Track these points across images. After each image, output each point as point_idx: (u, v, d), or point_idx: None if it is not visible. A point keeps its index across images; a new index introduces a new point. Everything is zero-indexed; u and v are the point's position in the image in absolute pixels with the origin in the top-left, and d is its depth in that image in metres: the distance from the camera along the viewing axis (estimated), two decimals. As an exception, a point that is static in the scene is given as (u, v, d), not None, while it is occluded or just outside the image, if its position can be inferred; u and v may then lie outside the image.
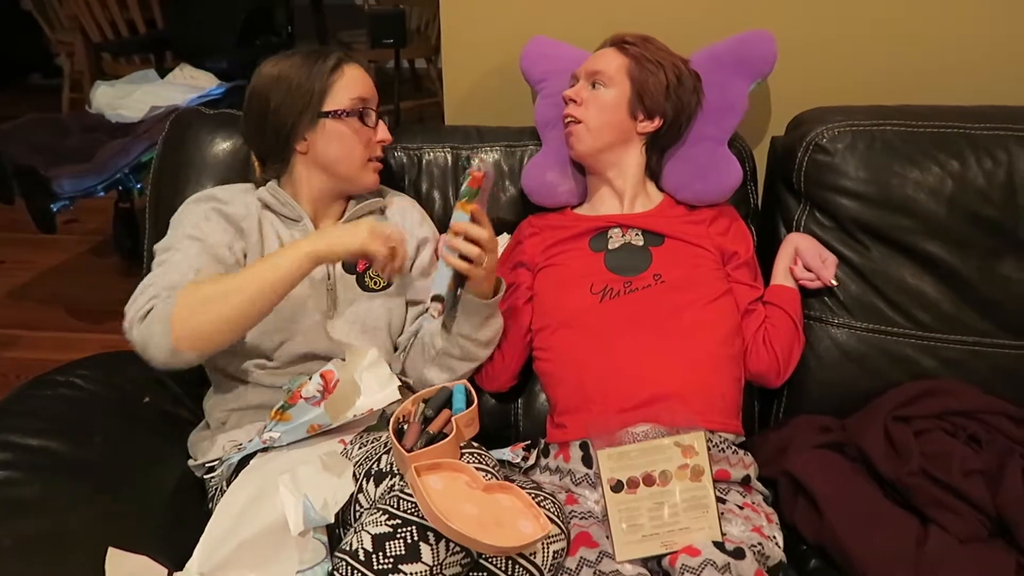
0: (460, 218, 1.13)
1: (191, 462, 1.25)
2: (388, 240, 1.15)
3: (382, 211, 1.38)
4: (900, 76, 1.58)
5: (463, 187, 1.15)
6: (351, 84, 1.27)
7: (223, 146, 1.45)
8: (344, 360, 1.23)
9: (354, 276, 1.31)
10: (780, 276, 1.39)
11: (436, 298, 1.12)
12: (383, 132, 1.31)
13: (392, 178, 1.51)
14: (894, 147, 1.37)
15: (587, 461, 1.20)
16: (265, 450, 1.17)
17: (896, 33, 1.56)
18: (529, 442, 1.33)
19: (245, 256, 1.25)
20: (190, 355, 1.09)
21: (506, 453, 1.28)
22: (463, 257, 1.12)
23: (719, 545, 1.02)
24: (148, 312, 1.09)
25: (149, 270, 1.24)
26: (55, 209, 2.34)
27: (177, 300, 1.08)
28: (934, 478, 1.16)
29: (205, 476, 1.25)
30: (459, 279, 1.16)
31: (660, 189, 1.43)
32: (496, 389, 1.38)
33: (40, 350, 2.50)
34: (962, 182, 1.34)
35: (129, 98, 2.71)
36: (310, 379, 1.18)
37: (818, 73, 1.59)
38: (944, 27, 1.54)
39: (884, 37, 1.56)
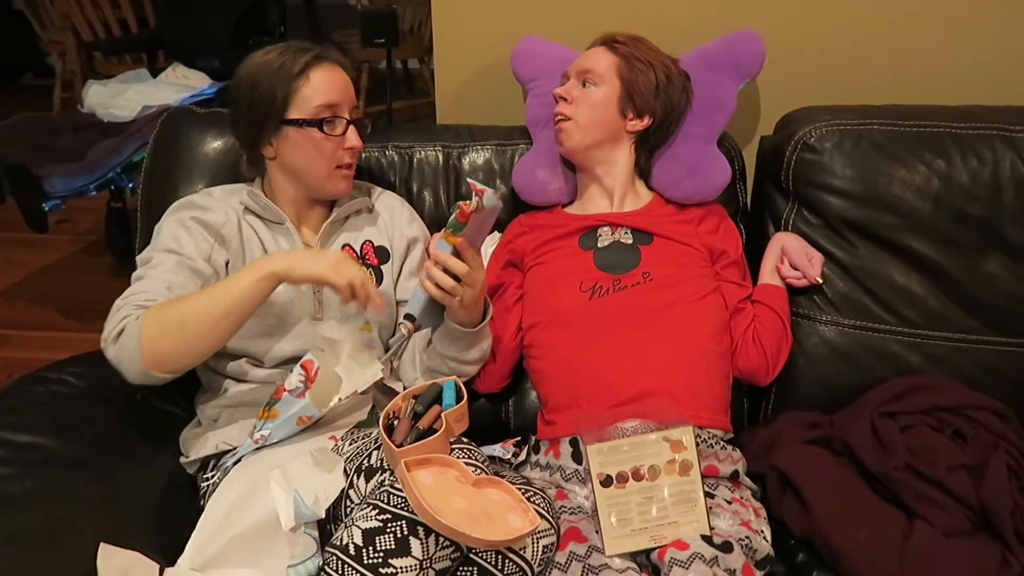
0: (442, 247, 1.12)
1: (183, 459, 1.26)
2: (350, 278, 1.11)
3: (369, 210, 1.38)
4: (887, 76, 1.59)
5: (451, 218, 1.11)
6: (317, 90, 1.21)
7: (214, 145, 1.45)
8: (323, 351, 1.22)
9: None
10: (767, 275, 1.41)
11: (408, 317, 1.16)
12: (352, 139, 1.25)
13: (383, 176, 1.51)
14: (881, 146, 1.38)
15: (577, 457, 1.21)
16: (257, 448, 1.17)
17: (883, 34, 1.57)
18: (519, 438, 1.34)
19: (228, 264, 1.24)
20: (161, 375, 1.10)
21: (496, 449, 1.29)
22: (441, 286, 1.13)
23: (707, 539, 1.03)
24: (120, 332, 1.10)
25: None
26: (47, 208, 2.34)
27: (143, 323, 1.08)
28: (919, 473, 1.17)
29: (196, 473, 1.25)
30: (438, 304, 1.17)
31: (650, 188, 1.44)
32: (488, 390, 1.39)
33: (31, 349, 2.50)
34: (948, 180, 1.36)
35: (121, 97, 2.70)
36: (292, 371, 1.19)
37: (806, 73, 1.60)
38: (931, 28, 1.56)
39: (871, 38, 1.58)
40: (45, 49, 4.30)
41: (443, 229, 1.13)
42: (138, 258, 1.23)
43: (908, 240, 1.37)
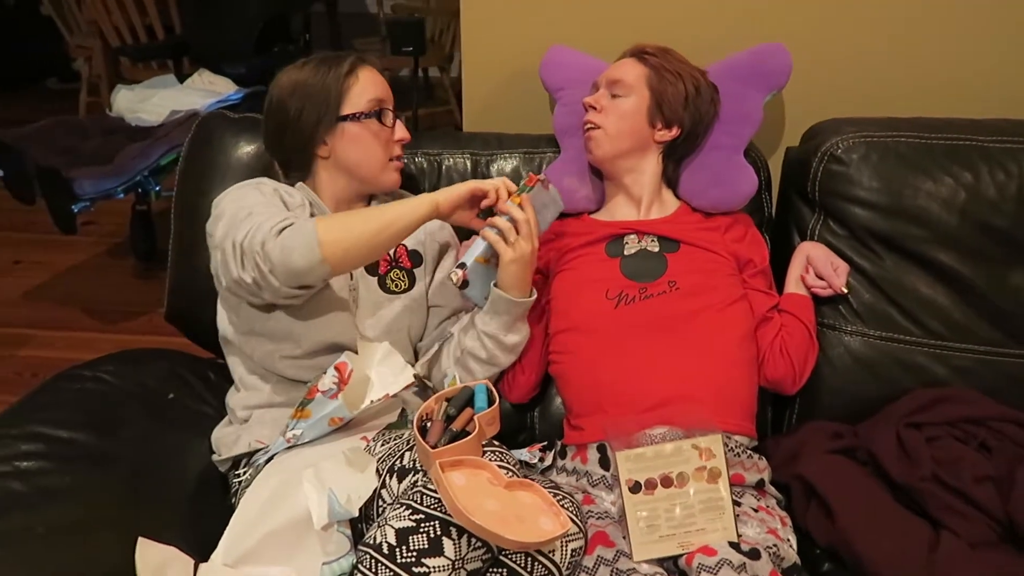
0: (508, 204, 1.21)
1: (214, 457, 1.28)
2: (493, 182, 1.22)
3: None
4: (913, 89, 1.60)
5: (520, 183, 1.25)
6: (366, 86, 1.29)
7: (246, 149, 1.48)
8: (356, 353, 1.25)
9: (376, 278, 1.33)
10: (792, 284, 1.42)
11: (460, 265, 1.21)
12: (401, 131, 1.33)
13: (412, 183, 1.53)
14: (907, 158, 1.39)
15: (604, 463, 1.22)
16: (289, 448, 1.19)
17: (910, 47, 1.58)
18: (546, 443, 1.35)
19: None
20: (325, 267, 1.10)
21: (523, 454, 1.30)
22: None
23: (735, 546, 1.04)
24: (284, 228, 1.11)
25: (172, 267, 1.27)
26: (76, 210, 2.37)
27: (317, 220, 1.12)
28: (945, 483, 1.17)
29: (228, 471, 1.27)
30: (492, 263, 1.23)
31: (677, 197, 1.45)
32: (518, 399, 1.40)
33: (55, 349, 2.53)
34: (974, 193, 1.36)
35: (149, 102, 2.75)
36: (325, 373, 1.20)
37: (832, 86, 1.61)
38: (958, 42, 1.57)
39: (898, 51, 1.59)
40: (71, 54, 4.36)
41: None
42: (227, 210, 1.19)
43: (934, 252, 1.37)
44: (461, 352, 1.30)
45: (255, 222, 1.13)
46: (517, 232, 1.19)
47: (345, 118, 1.27)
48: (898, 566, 1.09)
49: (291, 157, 1.33)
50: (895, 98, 1.59)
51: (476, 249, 1.22)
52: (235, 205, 1.20)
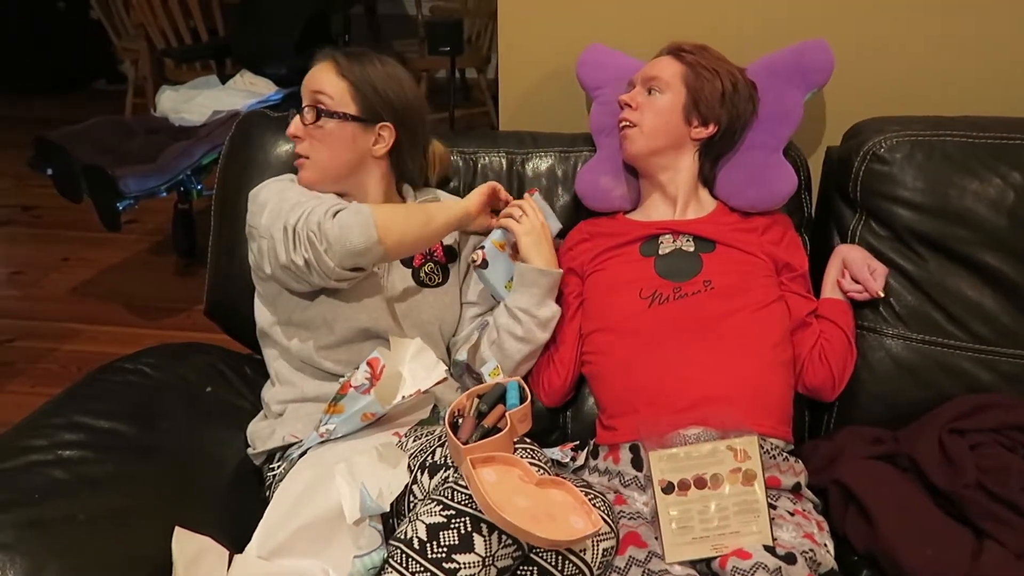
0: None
1: (249, 451, 1.30)
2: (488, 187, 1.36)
3: None
4: (960, 87, 1.56)
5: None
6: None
7: (286, 148, 1.49)
8: (388, 344, 1.26)
9: (410, 269, 1.34)
10: (829, 289, 1.39)
11: (480, 247, 1.34)
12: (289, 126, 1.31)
13: (448, 182, 1.54)
14: (954, 158, 1.36)
15: (637, 463, 1.21)
16: (322, 442, 1.20)
17: (955, 43, 1.54)
18: (578, 443, 1.34)
19: None
20: (380, 249, 1.15)
21: (555, 452, 1.30)
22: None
23: (770, 549, 1.02)
24: (338, 211, 1.14)
25: (212, 263, 1.32)
26: (120, 208, 2.43)
27: (369, 206, 1.16)
28: (990, 491, 1.14)
29: (262, 465, 1.29)
30: (508, 252, 1.35)
31: (713, 196, 1.44)
32: (553, 403, 1.40)
33: (99, 343, 2.59)
34: (1023, 194, 1.32)
35: (192, 103, 2.81)
36: (358, 369, 1.22)
37: (874, 83, 1.58)
38: (1005, 37, 1.53)
39: (943, 47, 1.55)
40: (119, 56, 4.48)
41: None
42: (273, 208, 1.22)
43: (981, 254, 1.34)
44: (498, 333, 1.31)
45: (307, 207, 1.16)
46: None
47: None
48: (940, 574, 1.06)
49: None
50: (940, 96, 1.56)
51: (493, 235, 1.36)
52: (277, 196, 1.23)
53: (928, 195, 1.35)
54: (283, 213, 1.18)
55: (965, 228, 1.34)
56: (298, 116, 1.29)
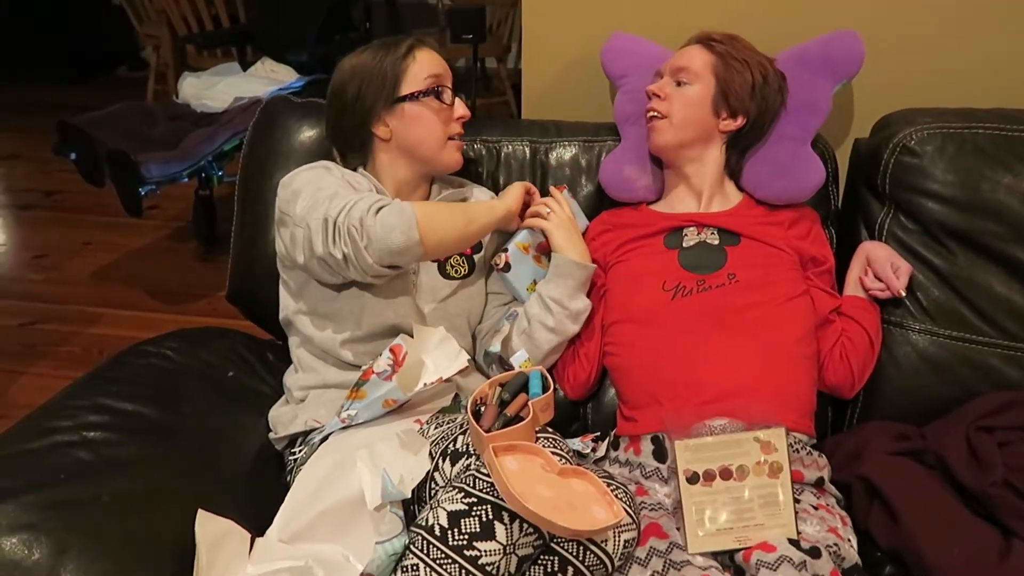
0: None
1: (271, 435, 1.30)
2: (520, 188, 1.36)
3: (464, 201, 1.40)
4: (991, 79, 1.53)
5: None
6: (424, 65, 1.30)
7: (309, 133, 1.49)
8: (412, 337, 1.26)
9: (436, 263, 1.34)
10: (852, 286, 1.37)
11: (503, 249, 1.35)
12: (461, 108, 1.33)
13: (471, 170, 1.53)
14: (986, 151, 1.33)
15: (658, 455, 1.20)
16: (344, 428, 1.20)
17: (987, 34, 1.51)
18: (598, 434, 1.34)
19: None
20: (420, 249, 1.15)
21: (576, 443, 1.29)
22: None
23: (795, 543, 1.01)
24: (380, 208, 1.13)
25: (235, 247, 1.30)
26: (143, 193, 2.44)
27: (412, 205, 1.15)
28: (1018, 490, 1.12)
29: (284, 450, 1.29)
30: (532, 255, 1.35)
31: (740, 189, 1.42)
32: (576, 395, 1.40)
33: (121, 327, 2.62)
34: (1057, 189, 1.30)
35: (213, 89, 2.81)
36: (380, 355, 1.22)
37: (903, 75, 1.55)
38: (1042, 30, 1.50)
39: (975, 38, 1.52)
40: (140, 43, 4.50)
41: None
42: (307, 193, 1.21)
43: (1012, 249, 1.31)
44: (528, 322, 1.31)
45: (348, 199, 1.15)
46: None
47: (404, 98, 1.28)
48: (966, 573, 1.05)
49: (351, 141, 1.34)
50: (972, 88, 1.53)
51: (517, 236, 1.36)
52: (313, 185, 1.22)
53: (959, 188, 1.33)
54: (320, 202, 1.17)
55: (996, 223, 1.32)
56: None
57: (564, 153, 1.53)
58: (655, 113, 1.35)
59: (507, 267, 1.33)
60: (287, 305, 1.34)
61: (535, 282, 1.36)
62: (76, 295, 2.80)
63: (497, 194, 1.46)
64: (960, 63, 1.54)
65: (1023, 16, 1.49)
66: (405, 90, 1.28)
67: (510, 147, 1.54)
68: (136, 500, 1.05)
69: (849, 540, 1.11)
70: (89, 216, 3.32)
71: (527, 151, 1.54)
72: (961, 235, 1.34)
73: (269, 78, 2.91)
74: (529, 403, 1.07)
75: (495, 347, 1.34)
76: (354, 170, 1.34)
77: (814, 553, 1.00)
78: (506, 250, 1.34)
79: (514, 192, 1.35)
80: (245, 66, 3.04)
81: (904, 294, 1.32)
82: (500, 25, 3.95)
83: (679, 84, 1.35)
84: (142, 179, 2.39)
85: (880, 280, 1.34)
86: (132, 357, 1.31)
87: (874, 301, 1.36)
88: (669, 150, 1.37)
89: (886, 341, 1.36)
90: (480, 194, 1.43)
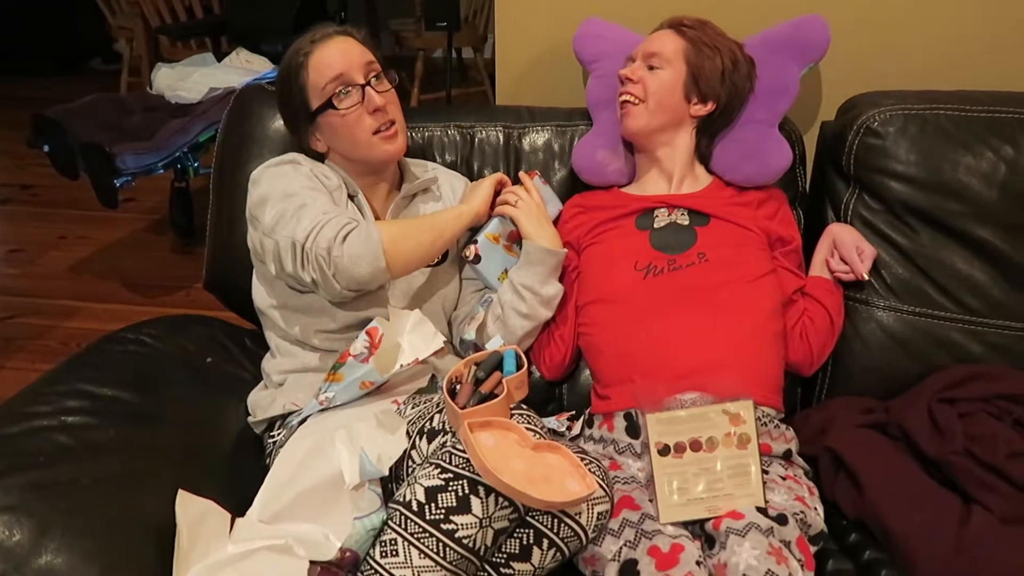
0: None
1: (250, 419, 1.31)
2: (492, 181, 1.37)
3: (435, 189, 1.42)
4: (953, 62, 1.57)
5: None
6: (320, 72, 1.23)
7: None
8: (388, 320, 1.27)
9: None
10: (818, 267, 1.41)
11: (472, 240, 1.35)
12: (374, 100, 1.24)
13: (444, 156, 1.55)
14: (947, 131, 1.37)
15: (631, 431, 1.23)
16: (322, 410, 1.22)
17: (950, 18, 1.55)
18: (573, 412, 1.36)
19: None
20: (387, 275, 1.18)
21: (551, 422, 1.31)
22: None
23: (763, 511, 1.04)
24: (347, 235, 1.14)
25: (211, 236, 1.28)
26: (118, 185, 2.43)
27: (380, 229, 1.16)
28: (978, 458, 1.16)
29: (263, 433, 1.31)
30: (503, 244, 1.36)
31: (709, 171, 1.45)
32: (553, 376, 1.42)
33: (98, 321, 2.60)
34: (1015, 167, 1.34)
35: (188, 80, 2.80)
36: (357, 338, 1.23)
37: (869, 59, 1.59)
38: (999, 12, 1.53)
39: (938, 22, 1.56)
40: (113, 35, 4.45)
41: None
42: (269, 196, 1.21)
43: (972, 227, 1.35)
44: (502, 309, 1.33)
45: (315, 220, 1.15)
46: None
47: (315, 113, 1.26)
48: (927, 539, 1.09)
49: (307, 151, 1.34)
50: (934, 71, 1.56)
51: (487, 226, 1.36)
52: (280, 190, 1.21)
53: (921, 168, 1.37)
54: (288, 217, 1.17)
55: (957, 201, 1.35)
56: None
57: (537, 138, 1.55)
58: (629, 98, 1.37)
59: (477, 258, 1.35)
60: (260, 297, 1.35)
61: (506, 271, 1.38)
62: (53, 289, 2.78)
63: (472, 181, 1.48)
64: (924, 46, 1.58)
65: (981, 2, 1.53)
66: (314, 104, 1.25)
67: (484, 132, 1.56)
68: (116, 482, 1.05)
69: (816, 508, 1.14)
70: (65, 210, 3.29)
71: (501, 136, 1.55)
72: (924, 214, 1.38)
73: (244, 68, 2.90)
74: (503, 381, 1.09)
75: (470, 334, 1.36)
76: (322, 160, 1.35)
77: (781, 520, 1.03)
78: (476, 241, 1.35)
79: (481, 194, 1.35)
80: (220, 57, 3.03)
81: (867, 277, 1.36)
82: (476, 15, 3.96)
83: (651, 68, 1.37)
84: (117, 171, 2.38)
85: (845, 263, 1.37)
86: (110, 344, 1.32)
87: (838, 283, 1.39)
88: (642, 135, 1.39)
89: (852, 318, 1.39)
90: (451, 179, 1.45)
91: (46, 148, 2.55)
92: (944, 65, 1.57)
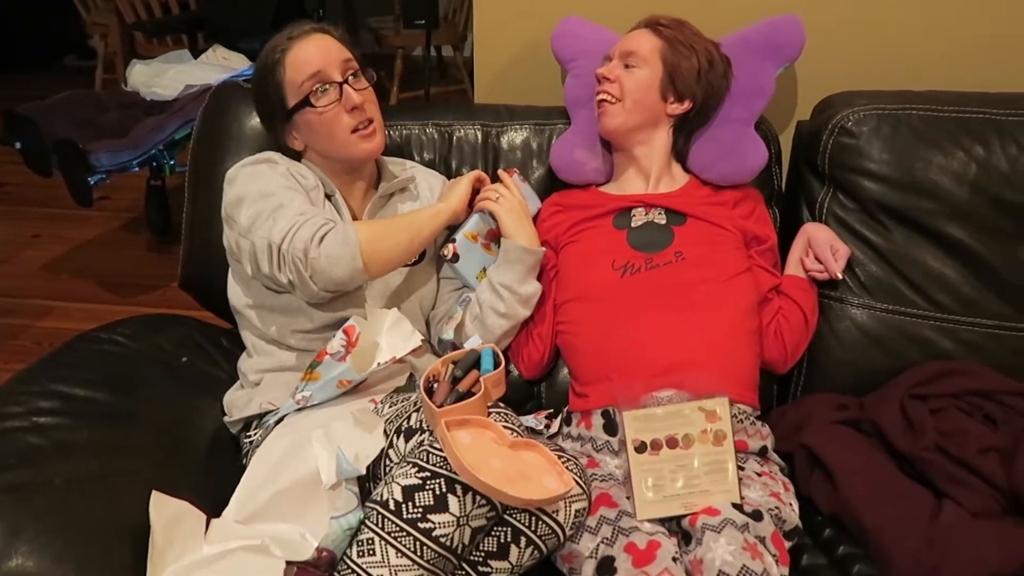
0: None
1: (226, 419, 1.30)
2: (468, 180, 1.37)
3: (413, 187, 1.42)
4: (927, 62, 1.59)
5: None
6: (297, 69, 1.23)
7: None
8: (365, 319, 1.26)
9: None
10: (793, 267, 1.42)
11: (451, 240, 1.35)
12: (352, 98, 1.23)
13: (423, 154, 1.55)
14: (919, 131, 1.39)
15: (608, 429, 1.24)
16: (299, 409, 1.21)
17: (923, 19, 1.57)
18: (552, 410, 1.37)
19: None
20: (365, 276, 1.18)
21: (529, 420, 1.32)
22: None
23: (738, 507, 1.05)
24: (323, 236, 1.14)
25: (187, 234, 1.26)
26: (92, 182, 2.40)
27: (357, 229, 1.15)
28: (949, 454, 1.18)
29: (239, 433, 1.30)
30: (481, 243, 1.35)
31: (686, 170, 1.46)
32: (532, 374, 1.43)
33: (73, 320, 2.57)
34: (986, 167, 1.36)
35: (164, 77, 2.77)
36: (334, 336, 1.23)
37: (844, 59, 1.60)
38: (971, 13, 1.56)
39: (911, 23, 1.57)
40: (88, 31, 4.39)
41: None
42: (244, 196, 1.20)
43: (944, 226, 1.37)
44: (480, 308, 1.33)
45: (291, 222, 1.14)
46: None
47: (292, 111, 1.25)
48: (900, 533, 1.10)
49: (283, 149, 1.34)
50: (909, 71, 1.58)
51: (465, 224, 1.36)
52: (256, 189, 1.20)
53: (894, 168, 1.38)
54: (264, 217, 1.16)
55: (929, 200, 1.37)
56: None
57: (516, 136, 1.55)
58: (606, 97, 1.37)
59: (455, 257, 1.34)
60: (236, 297, 1.34)
61: (484, 270, 1.37)
62: (26, 288, 2.74)
63: (450, 179, 1.48)
64: (896, 47, 1.59)
65: (953, 2, 1.55)
66: (291, 101, 1.25)
67: (462, 131, 1.55)
68: (89, 483, 1.04)
69: (791, 504, 1.16)
70: (38, 208, 3.25)
71: (479, 135, 1.55)
72: (896, 212, 1.39)
73: (221, 65, 2.87)
74: (481, 379, 1.10)
75: (448, 334, 1.35)
76: (299, 159, 1.34)
77: (756, 516, 1.04)
78: (454, 240, 1.35)
79: (459, 192, 1.34)
80: (196, 54, 3.00)
81: (841, 276, 1.37)
82: (456, 13, 3.95)
83: (628, 67, 1.38)
84: (91, 168, 2.35)
85: (819, 262, 1.38)
86: (83, 343, 1.30)
87: (813, 282, 1.41)
88: (619, 134, 1.40)
89: (827, 316, 1.41)
90: (429, 178, 1.45)
91: (18, 145, 2.51)
92: (919, 65, 1.59)
